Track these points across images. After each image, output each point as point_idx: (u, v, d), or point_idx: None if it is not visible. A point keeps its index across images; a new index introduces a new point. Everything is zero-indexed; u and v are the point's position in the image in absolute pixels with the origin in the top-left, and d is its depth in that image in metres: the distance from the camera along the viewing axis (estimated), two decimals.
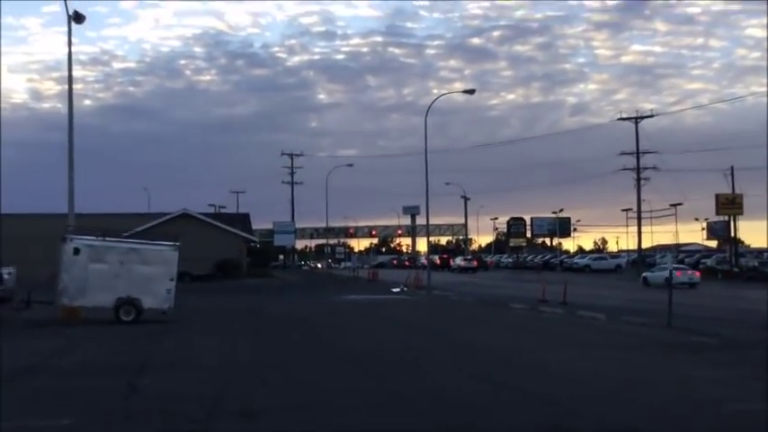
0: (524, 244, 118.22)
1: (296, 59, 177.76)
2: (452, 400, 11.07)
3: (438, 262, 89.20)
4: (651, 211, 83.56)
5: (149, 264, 23.95)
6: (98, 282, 23.38)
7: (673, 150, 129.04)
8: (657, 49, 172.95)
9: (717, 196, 70.69)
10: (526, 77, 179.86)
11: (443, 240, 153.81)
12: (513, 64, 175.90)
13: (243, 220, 73.10)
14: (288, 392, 11.74)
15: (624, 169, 75.66)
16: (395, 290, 45.98)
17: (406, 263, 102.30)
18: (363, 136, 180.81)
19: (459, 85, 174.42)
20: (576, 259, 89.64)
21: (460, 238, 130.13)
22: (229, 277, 58.10)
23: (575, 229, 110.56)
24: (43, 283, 26.16)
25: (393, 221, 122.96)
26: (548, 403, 10.85)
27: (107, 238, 24.37)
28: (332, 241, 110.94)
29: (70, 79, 30.52)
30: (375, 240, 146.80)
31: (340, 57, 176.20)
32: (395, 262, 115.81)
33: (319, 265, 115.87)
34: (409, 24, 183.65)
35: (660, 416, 10.11)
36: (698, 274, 51.58)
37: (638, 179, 74.46)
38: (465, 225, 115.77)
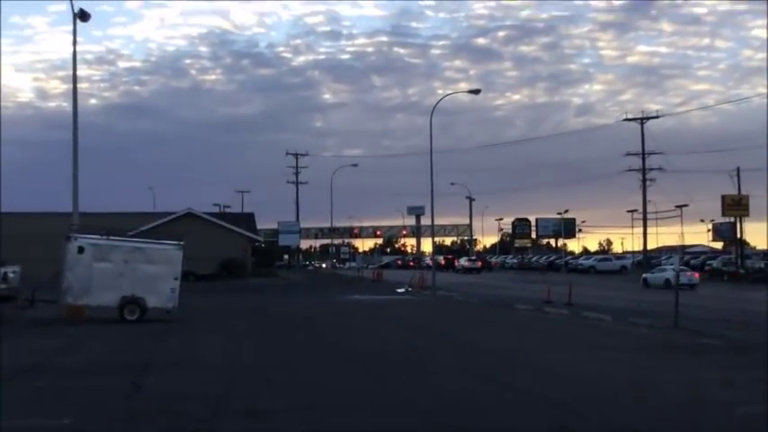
0: (529, 245, 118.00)
1: (301, 59, 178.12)
2: (457, 401, 10.98)
3: (443, 262, 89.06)
4: (657, 213, 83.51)
5: (154, 263, 23.90)
6: (102, 281, 23.34)
7: (678, 151, 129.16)
8: (663, 49, 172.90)
9: (723, 197, 70.42)
10: (531, 78, 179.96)
11: (448, 241, 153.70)
12: (519, 64, 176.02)
13: (248, 219, 73.12)
14: (293, 392, 11.67)
15: (630, 170, 75.56)
16: (399, 290, 45.89)
17: (411, 263, 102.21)
18: (368, 136, 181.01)
19: (464, 86, 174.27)
20: (580, 260, 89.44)
21: (465, 238, 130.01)
22: (234, 277, 58.09)
23: (580, 230, 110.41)
24: (47, 282, 26.13)
25: (398, 222, 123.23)
26: (553, 405, 10.76)
27: (111, 237, 24.32)
28: (336, 241, 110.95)
29: (74, 77, 30.52)
30: (380, 240, 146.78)
31: (345, 56, 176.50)
32: (399, 262, 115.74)
33: (324, 265, 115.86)
34: (414, 24, 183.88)
35: (668, 418, 10.00)
36: (697, 275, 51.36)
37: (644, 180, 74.31)
38: (470, 225, 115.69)
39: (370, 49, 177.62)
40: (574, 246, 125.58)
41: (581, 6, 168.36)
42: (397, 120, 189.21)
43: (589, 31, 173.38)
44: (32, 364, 14.59)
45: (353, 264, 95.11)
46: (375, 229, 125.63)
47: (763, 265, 61.21)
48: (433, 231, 56.30)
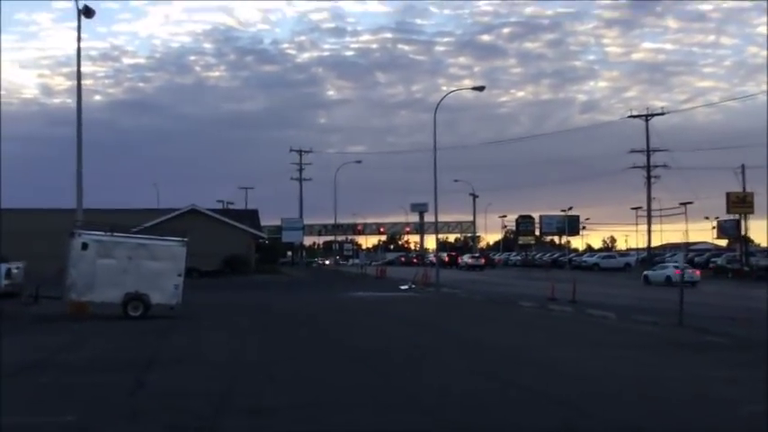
0: (533, 242, 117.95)
1: (305, 56, 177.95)
2: (460, 399, 10.95)
3: (446, 259, 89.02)
4: (661, 210, 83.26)
5: (157, 259, 23.90)
6: (106, 277, 23.35)
7: (683, 148, 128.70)
8: (668, 46, 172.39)
9: (728, 195, 70.20)
10: (536, 75, 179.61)
11: (451, 238, 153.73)
12: (523, 61, 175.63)
13: (251, 216, 73.16)
14: (296, 390, 11.65)
15: (634, 167, 75.41)
16: (403, 287, 45.87)
17: (414, 260, 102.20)
18: (372, 132, 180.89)
19: (468, 82, 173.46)
20: (584, 257, 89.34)
21: (469, 235, 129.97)
22: (237, 273, 58.11)
23: (583, 228, 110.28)
24: (51, 278, 26.16)
25: (401, 218, 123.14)
26: (557, 402, 10.72)
27: (115, 234, 24.34)
28: (340, 238, 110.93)
29: (79, 73, 30.50)
30: (383, 237, 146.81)
31: (349, 53, 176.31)
32: (402, 259, 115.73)
33: (327, 262, 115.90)
34: (419, 21, 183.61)
35: (673, 416, 9.96)
36: (698, 272, 51.32)
37: (649, 177, 74.19)
38: (473, 222, 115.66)
39: (374, 46, 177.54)
40: (577, 243, 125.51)
41: (586, 3, 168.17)
42: (402, 116, 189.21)
43: (594, 28, 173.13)
44: (36, 360, 14.60)
45: (357, 260, 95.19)
46: (378, 225, 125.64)
47: (767, 263, 61.05)
48: (437, 228, 56.27)
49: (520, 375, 13.02)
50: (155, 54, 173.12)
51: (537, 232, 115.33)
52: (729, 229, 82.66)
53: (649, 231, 76.02)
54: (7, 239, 40.70)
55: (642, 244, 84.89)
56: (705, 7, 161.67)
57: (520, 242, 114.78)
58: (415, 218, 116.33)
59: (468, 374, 13.33)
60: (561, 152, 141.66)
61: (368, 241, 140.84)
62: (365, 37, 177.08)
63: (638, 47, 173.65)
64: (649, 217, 75.91)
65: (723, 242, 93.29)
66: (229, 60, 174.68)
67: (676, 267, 50.66)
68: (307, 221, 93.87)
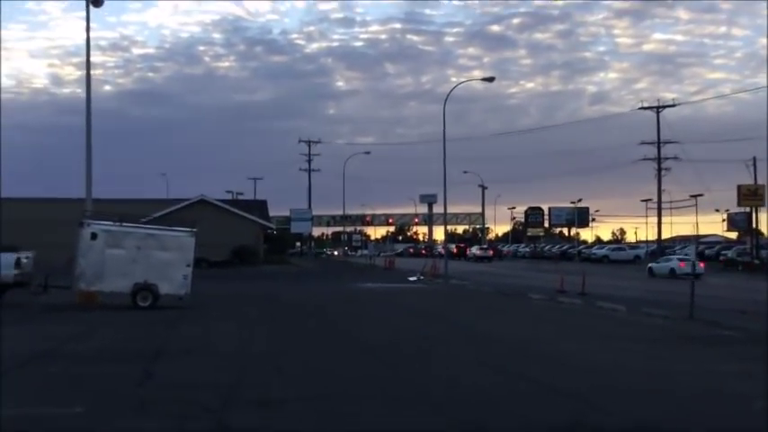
0: (542, 234, 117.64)
1: (314, 46, 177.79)
2: (469, 392, 10.87)
3: (455, 251, 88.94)
4: (671, 202, 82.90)
5: (166, 250, 23.90)
6: (115, 267, 23.37)
7: (694, 140, 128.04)
8: (679, 37, 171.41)
9: (738, 187, 69.79)
10: (546, 66, 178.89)
11: (460, 229, 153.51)
12: (533, 52, 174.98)
13: (260, 206, 73.20)
14: (304, 381, 11.61)
15: (645, 159, 75.05)
16: (411, 278, 45.82)
17: (423, 251, 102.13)
18: (381, 123, 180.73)
19: (477, 73, 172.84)
20: (594, 250, 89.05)
21: (477, 227, 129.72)
22: (246, 264, 58.18)
23: (593, 219, 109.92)
24: (61, 268, 26.20)
25: (410, 210, 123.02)
26: (567, 396, 10.63)
27: (124, 224, 24.35)
28: (348, 229, 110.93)
29: (88, 63, 30.49)
30: (392, 228, 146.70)
31: (358, 44, 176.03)
32: (411, 250, 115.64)
33: (335, 253, 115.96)
34: (428, 11, 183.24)
35: (684, 411, 9.87)
36: (702, 264, 51.23)
37: (659, 169, 73.82)
38: (482, 214, 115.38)
39: (383, 37, 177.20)
40: (587, 235, 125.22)
41: None
42: (411, 107, 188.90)
43: (604, 19, 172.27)
44: (45, 350, 14.61)
45: (365, 251, 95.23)
46: (387, 216, 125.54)
47: None
48: (446, 219, 56.13)
49: (529, 368, 12.94)
50: (164, 44, 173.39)
51: (546, 224, 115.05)
52: (739, 222, 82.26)
53: (660, 224, 75.69)
54: (17, 229, 40.84)
55: (652, 236, 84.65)
56: None
57: (529, 234, 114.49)
58: (423, 209, 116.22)
59: (476, 367, 13.26)
60: (571, 144, 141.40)
61: (376, 232, 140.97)
62: (374, 27, 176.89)
63: (649, 38, 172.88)
64: (660, 209, 75.57)
65: (733, 235, 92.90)
66: (238, 51, 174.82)
67: (680, 260, 50.92)
68: (315, 212, 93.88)
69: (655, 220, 76.56)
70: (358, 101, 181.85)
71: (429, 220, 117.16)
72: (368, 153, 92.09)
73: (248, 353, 14.76)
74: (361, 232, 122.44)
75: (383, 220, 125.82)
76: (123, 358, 13.74)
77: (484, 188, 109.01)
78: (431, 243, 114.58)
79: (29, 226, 47.96)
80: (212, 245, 45.43)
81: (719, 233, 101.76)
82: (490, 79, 50.08)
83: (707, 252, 70.71)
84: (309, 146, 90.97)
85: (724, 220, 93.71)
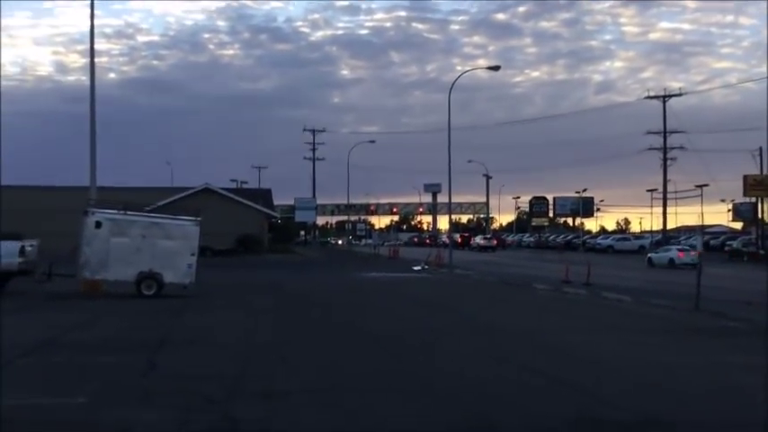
0: (546, 223, 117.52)
1: (319, 34, 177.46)
2: (474, 384, 10.81)
3: (459, 240, 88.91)
4: (676, 192, 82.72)
5: (171, 238, 23.87)
6: (120, 255, 23.35)
7: (700, 130, 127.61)
8: (686, 26, 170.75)
9: (745, 177, 69.51)
10: (551, 54, 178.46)
11: (464, 219, 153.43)
12: (539, 40, 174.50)
13: (265, 195, 73.25)
14: (309, 373, 11.56)
15: (650, 149, 74.82)
16: (416, 268, 45.77)
17: (427, 241, 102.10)
18: (386, 112, 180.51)
19: (483, 62, 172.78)
20: (598, 239, 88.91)
21: (482, 216, 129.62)
22: (251, 253, 58.22)
23: (598, 209, 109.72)
24: (65, 256, 26.19)
25: (414, 199, 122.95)
26: (573, 388, 10.56)
27: (129, 212, 24.31)
28: (353, 218, 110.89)
29: (92, 50, 30.36)
30: (396, 218, 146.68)
31: (363, 32, 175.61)
32: (415, 240, 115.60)
33: (340, 242, 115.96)
34: None
35: (690, 404, 9.79)
36: (693, 254, 51.14)
37: (665, 159, 73.60)
38: (486, 203, 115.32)
39: (388, 25, 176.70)
40: (591, 225, 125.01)
41: None
42: (415, 96, 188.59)
43: (611, 7, 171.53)
44: (49, 338, 14.59)
45: (370, 241, 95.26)
46: (391, 206, 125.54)
47: None
48: (450, 209, 56.12)
49: (534, 360, 12.88)
50: (169, 32, 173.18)
51: (551, 214, 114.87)
52: (745, 212, 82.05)
53: (665, 214, 75.61)
54: (20, 217, 40.81)
55: (657, 226, 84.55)
56: None
57: (533, 223, 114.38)
58: (428, 198, 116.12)
59: (481, 358, 13.19)
60: (576, 133, 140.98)
61: (381, 221, 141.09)
62: (379, 15, 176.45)
63: (656, 26, 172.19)
64: (665, 199, 75.45)
65: (738, 225, 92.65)
66: (243, 38, 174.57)
67: (679, 250, 51.02)
68: (320, 201, 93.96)
69: (660, 210, 76.54)
70: (363, 89, 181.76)
71: (433, 210, 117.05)
72: (372, 142, 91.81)
73: (252, 343, 14.72)
74: (365, 221, 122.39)
75: (387, 210, 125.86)
76: (127, 348, 13.71)
77: (488, 177, 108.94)
78: (435, 232, 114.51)
79: (33, 214, 47.96)
80: (216, 233, 45.37)
81: (725, 223, 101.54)
82: (495, 68, 49.85)
83: (712, 242, 70.47)
84: (314, 134, 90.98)
85: (729, 211, 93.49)
